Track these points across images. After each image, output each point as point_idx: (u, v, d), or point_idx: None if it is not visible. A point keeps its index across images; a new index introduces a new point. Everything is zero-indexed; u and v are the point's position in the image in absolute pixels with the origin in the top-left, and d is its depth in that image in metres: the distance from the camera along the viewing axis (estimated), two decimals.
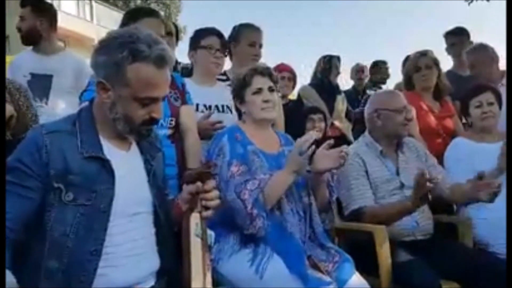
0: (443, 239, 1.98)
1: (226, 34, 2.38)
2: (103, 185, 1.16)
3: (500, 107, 2.35)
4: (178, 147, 1.91)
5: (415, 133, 2.42)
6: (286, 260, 1.48)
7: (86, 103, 1.31)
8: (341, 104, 3.59)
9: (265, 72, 1.75)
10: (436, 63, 2.63)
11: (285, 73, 3.48)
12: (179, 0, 23.56)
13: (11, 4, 2.62)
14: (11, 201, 1.08)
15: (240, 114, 1.82)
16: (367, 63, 4.73)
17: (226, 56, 2.32)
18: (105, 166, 1.18)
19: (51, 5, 2.66)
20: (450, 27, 3.44)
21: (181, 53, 3.08)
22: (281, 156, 1.74)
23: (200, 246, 1.17)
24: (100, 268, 1.13)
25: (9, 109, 1.53)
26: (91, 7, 20.34)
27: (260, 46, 2.45)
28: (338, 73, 3.66)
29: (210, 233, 1.31)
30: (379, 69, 4.70)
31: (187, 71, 2.63)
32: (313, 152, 1.57)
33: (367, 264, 1.66)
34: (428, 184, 1.65)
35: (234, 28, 2.51)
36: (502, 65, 2.88)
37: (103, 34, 1.27)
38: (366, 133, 2.16)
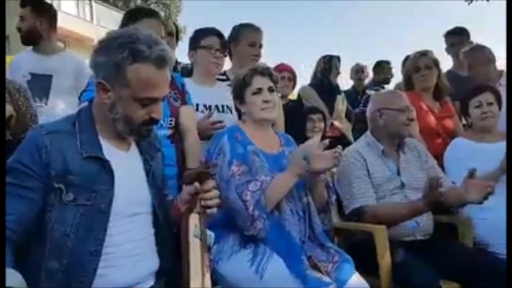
0: (443, 239, 1.98)
1: (226, 34, 2.38)
2: (102, 185, 1.16)
3: (499, 107, 2.36)
4: (177, 147, 1.91)
5: (415, 133, 2.42)
6: (285, 260, 1.48)
7: (85, 103, 1.31)
8: (341, 104, 3.59)
9: (265, 72, 1.75)
10: (436, 63, 2.63)
11: (285, 73, 3.48)
12: (179, 0, 23.58)
13: (11, 4, 2.62)
14: (13, 203, 1.08)
15: (240, 114, 1.82)
16: (367, 63, 4.73)
17: (226, 56, 2.32)
18: (105, 166, 1.18)
19: (51, 5, 2.66)
20: (450, 27, 3.45)
21: (181, 53, 3.09)
22: (281, 156, 1.74)
23: (199, 247, 1.17)
24: (100, 269, 1.13)
25: (9, 109, 1.53)
26: (91, 7, 20.33)
27: (260, 46, 2.45)
28: (338, 73, 3.65)
29: (210, 233, 1.31)
30: (382, 69, 4.68)
31: (187, 71, 2.63)
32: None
33: (367, 264, 1.66)
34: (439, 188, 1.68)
35: (234, 28, 2.51)
36: (500, 65, 2.88)
37: (103, 34, 1.27)
38: (368, 132, 2.16)
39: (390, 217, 1.86)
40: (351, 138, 3.41)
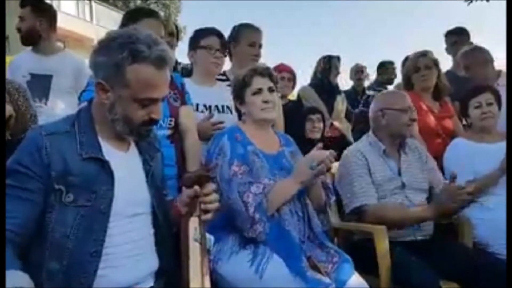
0: (443, 239, 1.99)
1: (226, 34, 2.38)
2: (102, 186, 1.16)
3: (499, 108, 2.35)
4: (177, 148, 1.91)
5: (415, 134, 2.42)
6: (285, 260, 1.48)
7: (85, 103, 1.31)
8: (341, 104, 3.59)
9: (265, 72, 1.74)
10: (435, 63, 2.63)
11: (285, 74, 3.47)
12: (179, 0, 23.59)
13: (11, 4, 2.62)
14: (14, 205, 1.08)
15: (240, 115, 1.82)
16: (367, 63, 4.73)
17: (225, 56, 2.31)
18: (104, 167, 1.18)
19: (50, 6, 2.66)
20: (450, 27, 3.46)
21: (181, 53, 3.09)
22: (281, 156, 1.74)
23: (198, 251, 1.17)
24: (100, 269, 1.13)
25: (8, 109, 1.53)
26: (91, 7, 20.35)
27: (260, 46, 2.44)
28: (338, 73, 3.65)
29: (209, 237, 1.31)
30: (386, 69, 4.66)
31: (187, 72, 2.63)
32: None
33: (366, 264, 1.66)
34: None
35: (234, 28, 2.50)
36: (498, 65, 2.88)
37: (102, 34, 1.26)
38: (370, 132, 2.16)
39: (394, 220, 1.86)
40: (350, 138, 3.41)
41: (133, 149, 1.31)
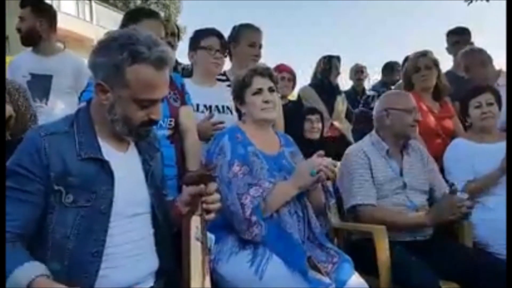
0: (443, 239, 1.99)
1: (226, 34, 2.38)
2: (102, 186, 1.16)
3: (499, 108, 2.36)
4: (177, 148, 1.91)
5: (415, 134, 2.41)
6: (286, 259, 1.48)
7: (84, 104, 1.31)
8: (341, 104, 3.59)
9: (265, 72, 1.74)
10: (435, 63, 2.63)
11: (285, 74, 3.48)
12: (179, 1, 23.59)
13: (11, 4, 2.62)
14: (14, 207, 1.08)
15: (240, 115, 1.82)
16: (367, 63, 4.73)
17: (226, 56, 2.32)
18: (104, 167, 1.17)
19: (50, 6, 2.66)
20: (450, 27, 3.45)
21: (181, 53, 3.09)
22: (281, 157, 1.74)
23: (200, 250, 1.17)
24: (100, 269, 1.13)
25: (8, 109, 1.53)
26: (91, 7, 20.36)
27: (260, 46, 2.44)
28: (338, 73, 3.65)
29: (210, 236, 1.31)
30: (391, 70, 4.62)
31: (187, 72, 2.63)
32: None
33: (366, 264, 1.66)
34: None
35: (234, 28, 2.50)
36: (497, 64, 2.89)
37: (102, 34, 1.26)
38: (373, 132, 2.16)
39: (391, 224, 1.86)
40: (351, 138, 3.41)
41: (132, 149, 1.30)
